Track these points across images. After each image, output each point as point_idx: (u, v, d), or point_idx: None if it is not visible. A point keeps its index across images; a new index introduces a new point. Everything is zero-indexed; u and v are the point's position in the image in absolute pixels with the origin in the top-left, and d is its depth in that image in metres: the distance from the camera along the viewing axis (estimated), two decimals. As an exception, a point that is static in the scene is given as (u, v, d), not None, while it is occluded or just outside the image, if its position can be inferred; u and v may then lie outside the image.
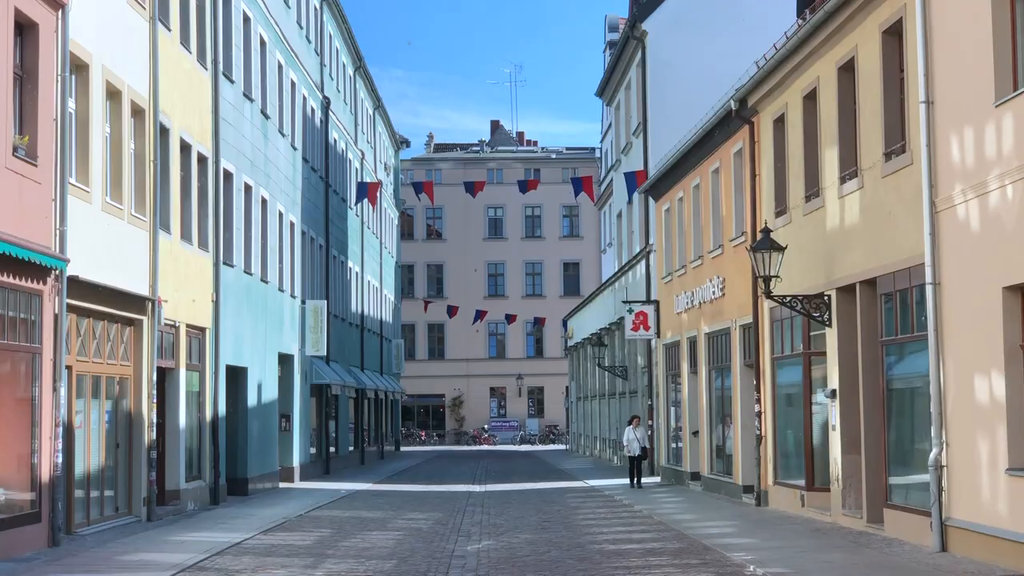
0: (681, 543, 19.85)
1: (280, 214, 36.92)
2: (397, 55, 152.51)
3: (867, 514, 20.07)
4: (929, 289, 17.06)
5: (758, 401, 26.07)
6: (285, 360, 38.42)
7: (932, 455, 16.99)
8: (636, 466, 34.16)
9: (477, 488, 37.10)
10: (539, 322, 74.98)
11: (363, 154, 55.52)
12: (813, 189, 22.57)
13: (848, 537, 19.51)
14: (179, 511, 26.11)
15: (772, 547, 18.65)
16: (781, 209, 24.51)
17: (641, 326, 37.30)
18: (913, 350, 18.70)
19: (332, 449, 47.26)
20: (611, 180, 63.30)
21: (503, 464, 55.60)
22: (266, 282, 34.71)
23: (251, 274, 32.84)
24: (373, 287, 59.87)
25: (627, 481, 37.72)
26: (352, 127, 53.88)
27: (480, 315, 73.13)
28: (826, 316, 21.53)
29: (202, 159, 28.58)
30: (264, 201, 34.67)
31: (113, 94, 22.55)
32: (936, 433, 16.96)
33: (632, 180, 41.38)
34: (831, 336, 21.56)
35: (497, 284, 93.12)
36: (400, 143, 75.15)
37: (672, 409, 36.47)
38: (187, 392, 27.44)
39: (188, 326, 27.28)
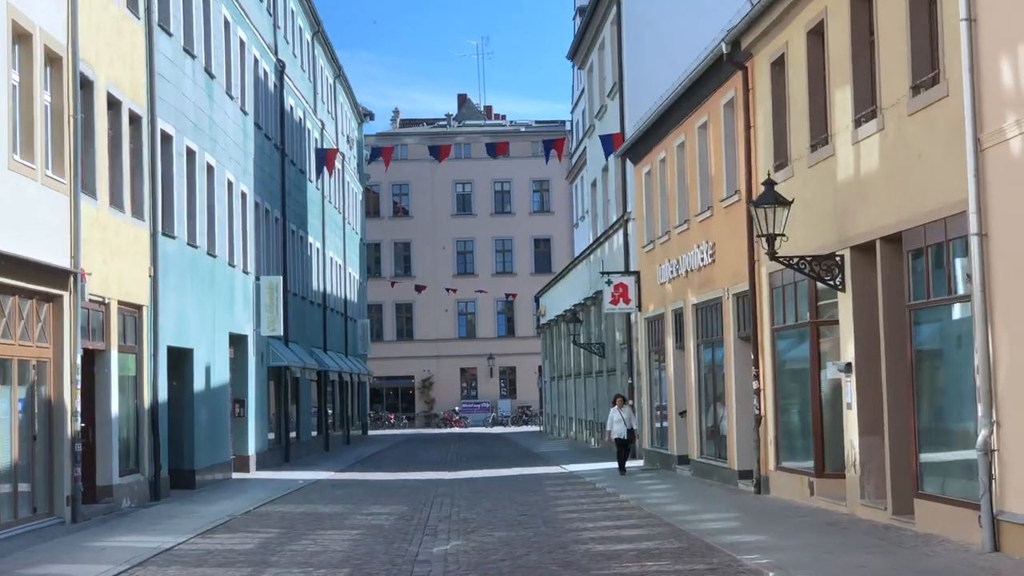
0: (680, 542, 17.19)
1: (229, 183, 34.08)
2: (364, 37, 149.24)
3: (892, 505, 17.45)
4: (974, 241, 14.41)
5: (756, 377, 23.45)
6: (238, 341, 35.63)
7: (980, 437, 14.36)
8: (622, 450, 31.42)
9: (447, 475, 34.47)
10: (510, 297, 72.26)
11: (323, 124, 52.65)
12: (820, 136, 19.91)
13: (874, 533, 16.86)
14: (111, 509, 23.32)
15: (788, 547, 15.97)
16: (781, 162, 21.86)
17: (621, 299, 34.66)
18: (949, 315, 16.08)
19: (293, 435, 44.49)
20: (583, 150, 60.78)
21: (475, 448, 52.98)
22: (214, 256, 31.88)
23: (196, 247, 30.02)
24: (336, 264, 57.07)
25: (608, 465, 35.14)
26: (311, 95, 50.99)
27: (450, 291, 70.33)
28: (839, 279, 18.90)
29: (135, 118, 25.71)
30: (210, 168, 31.84)
31: (22, 36, 19.69)
32: (984, 412, 14.32)
33: (608, 143, 38.77)
34: (844, 302, 18.94)
35: (466, 262, 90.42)
36: (364, 115, 72.22)
37: (656, 388, 33.86)
38: (120, 377, 24.61)
39: (121, 303, 24.45)
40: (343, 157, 58.16)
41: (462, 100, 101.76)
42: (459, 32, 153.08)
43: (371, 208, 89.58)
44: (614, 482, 28.78)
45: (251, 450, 36.36)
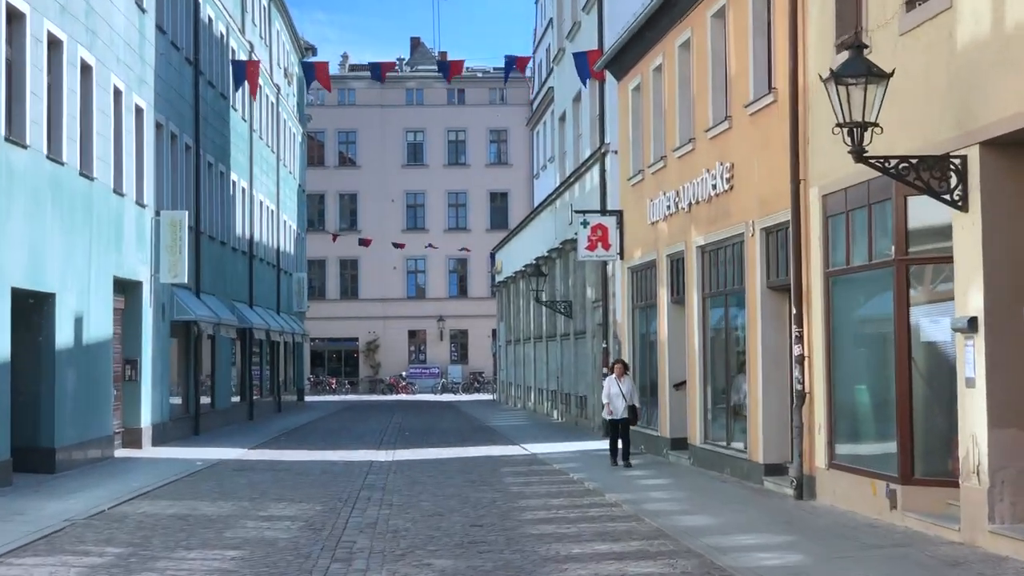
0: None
1: (118, 91, 27.44)
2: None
3: (1051, 537, 11.25)
4: None
5: (799, 340, 17.15)
6: (129, 288, 29.11)
7: None
8: (621, 434, 23.91)
9: (382, 456, 28.15)
10: (464, 251, 65.90)
11: (252, 47, 45.88)
12: (923, -12, 13.60)
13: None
14: (-95, 509, 16.85)
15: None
16: (849, 38, 15.50)
17: (599, 243, 28.34)
18: None
19: (207, 402, 38.02)
20: (548, 90, 54.43)
21: (421, 418, 46.67)
22: (90, 178, 25.26)
23: (61, 163, 23.37)
24: (267, 210, 50.40)
25: (578, 447, 28.97)
26: (237, 11, 44.24)
27: (398, 246, 63.82)
28: (957, 192, 12.61)
29: (-37, -22, 19.10)
30: (87, 67, 25.19)
31: None
32: None
33: (583, 62, 32.38)
34: (966, 227, 12.65)
35: (417, 216, 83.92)
36: (305, 49, 65.38)
37: (643, 354, 27.59)
38: (-70, 325, 18.09)
39: (-67, 225, 17.90)
40: (269, 78, 51.32)
41: (415, 44, 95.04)
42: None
43: (314, 156, 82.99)
44: (593, 473, 22.47)
45: (145, 421, 29.88)
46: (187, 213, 31.39)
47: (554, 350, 43.22)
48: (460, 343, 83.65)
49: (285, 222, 56.11)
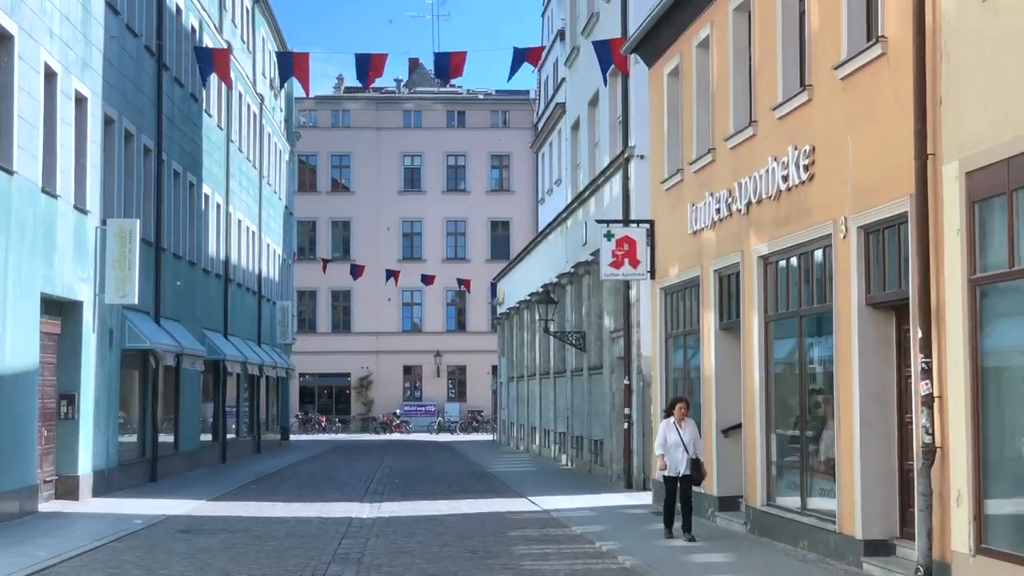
0: None
1: (51, 72, 22.87)
2: (316, 35, 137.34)
3: None
4: None
5: (927, 374, 12.47)
6: (67, 309, 24.50)
7: None
8: (681, 496, 18.01)
9: (365, 512, 23.47)
10: (463, 284, 61.20)
11: (229, 46, 41.34)
12: None
13: None
14: None
15: None
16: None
17: (626, 260, 23.65)
18: None
19: (170, 442, 33.34)
20: (553, 110, 50.15)
21: (414, 461, 41.96)
22: (8, 171, 20.66)
23: (-36, 148, 18.80)
24: (247, 230, 45.80)
25: (599, 502, 24.34)
26: (214, 9, 39.76)
27: (392, 276, 59.13)
28: None
29: None
30: (6, 35, 20.65)
31: None
32: None
33: (605, 50, 27.81)
34: None
35: (413, 245, 79.34)
36: (294, 63, 60.74)
37: (677, 392, 22.89)
38: None
39: None
40: (251, 85, 46.74)
41: (413, 65, 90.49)
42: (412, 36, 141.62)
43: (306, 181, 78.57)
44: (626, 541, 17.75)
45: (84, 468, 25.19)
46: (138, 222, 26.68)
47: (563, 388, 38.56)
48: (458, 380, 78.96)
49: (268, 246, 51.50)
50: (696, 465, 17.96)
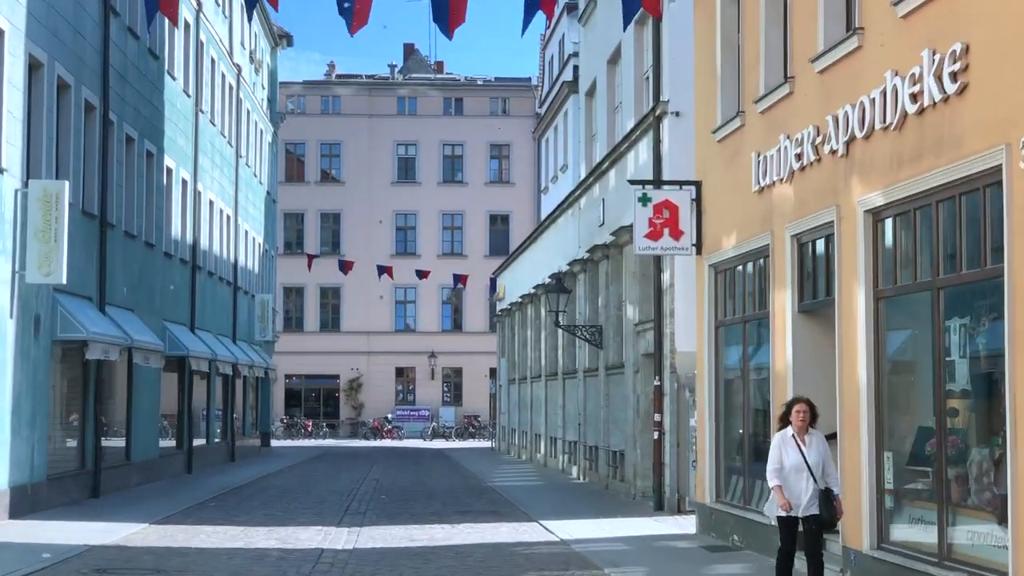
0: None
1: (-51, -10, 18.26)
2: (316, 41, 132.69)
3: None
4: None
5: None
6: (-27, 288, 19.87)
7: None
8: (806, 545, 12.44)
9: (339, 541, 18.87)
10: (460, 280, 56.53)
11: (199, 7, 36.62)
12: None
13: None
14: None
15: None
16: None
17: (666, 230, 18.99)
18: None
19: (120, 448, 28.74)
20: (559, 88, 45.78)
21: (405, 472, 37.35)
22: None
23: None
24: (221, 214, 41.12)
25: (628, 529, 19.80)
26: (181, -41, 35.07)
27: (384, 272, 54.20)
28: None
29: None
30: None
31: None
32: None
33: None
34: None
35: (407, 239, 74.62)
36: (279, 38, 56.16)
37: (731, 396, 18.29)
38: None
39: None
40: (226, 53, 41.90)
41: (409, 51, 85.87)
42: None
43: (293, 171, 73.93)
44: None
45: (0, 482, 20.57)
46: (67, 184, 21.97)
47: (574, 390, 33.91)
48: (453, 383, 74.24)
49: (247, 233, 46.82)
50: (827, 499, 12.32)
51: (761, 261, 16.47)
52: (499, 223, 74.83)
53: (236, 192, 43.71)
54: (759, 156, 16.21)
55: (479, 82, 78.30)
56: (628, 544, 18.14)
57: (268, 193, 53.33)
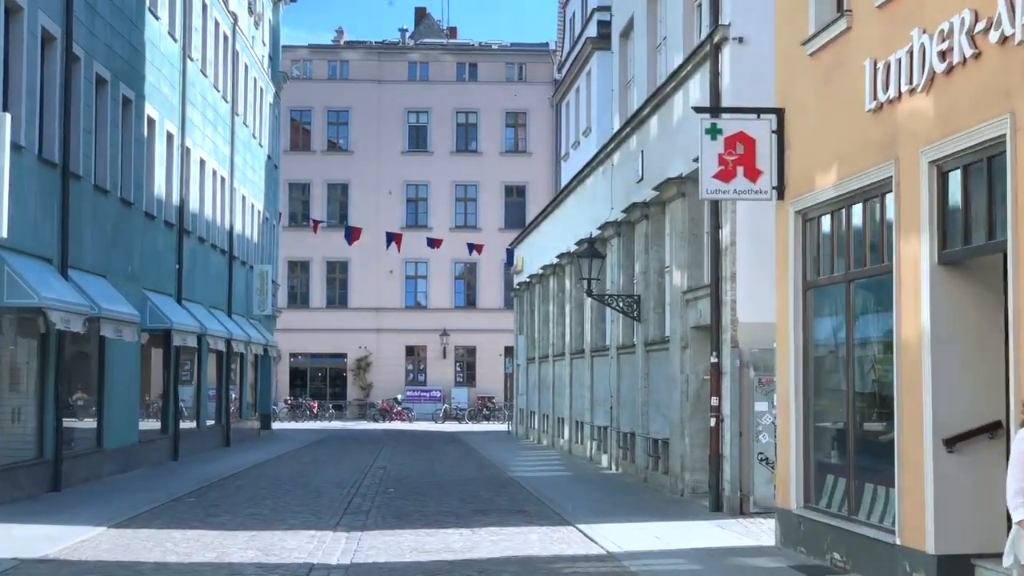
0: None
1: None
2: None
3: None
4: None
5: None
6: None
7: None
8: None
9: (334, 554, 15.27)
10: (475, 249, 52.80)
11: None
12: None
13: None
14: None
15: None
16: None
17: (740, 169, 15.20)
18: None
19: (91, 431, 25.15)
20: (582, 45, 42.26)
21: (415, 459, 33.76)
22: None
23: None
24: (215, 176, 37.44)
25: (680, 534, 16.37)
26: None
27: (394, 240, 50.37)
28: None
29: None
30: None
31: None
32: None
33: None
34: None
35: (418, 211, 71.04)
36: (282, -8, 52.40)
37: (830, 377, 14.55)
38: None
39: None
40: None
41: (420, 15, 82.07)
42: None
43: (299, 140, 70.31)
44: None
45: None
46: (8, 118, 18.21)
47: (604, 370, 30.22)
48: (466, 362, 70.63)
49: (245, 199, 43.11)
50: None
51: (877, 201, 12.72)
52: (515, 195, 71.21)
53: (232, 153, 39.99)
54: (875, 65, 12.45)
55: (494, 47, 74.48)
56: (696, 561, 14.43)
57: (269, 158, 49.61)
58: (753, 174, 15.15)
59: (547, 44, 72.85)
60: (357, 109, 71.10)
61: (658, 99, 23.91)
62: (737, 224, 19.23)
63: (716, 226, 19.86)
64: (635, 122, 26.14)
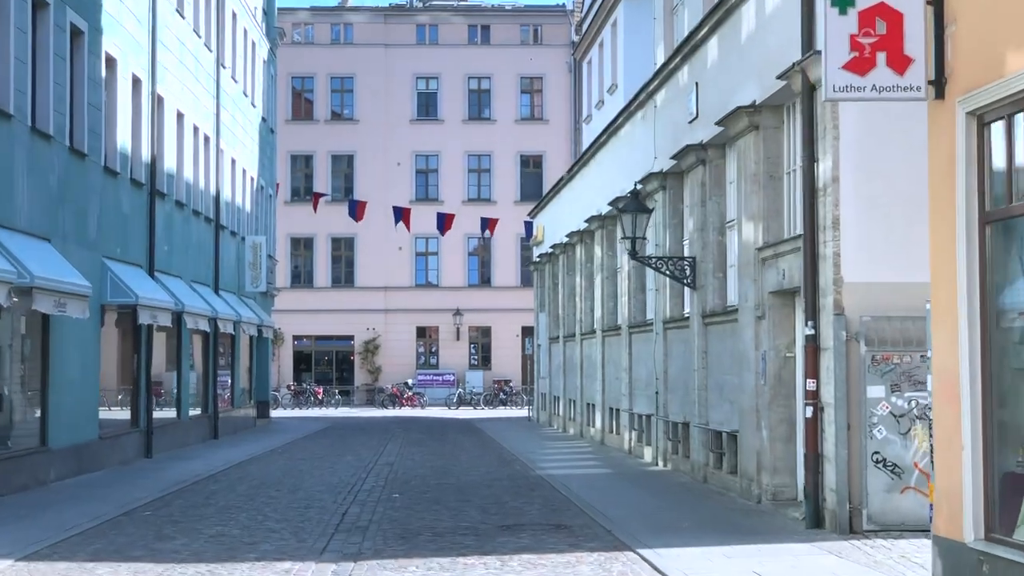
0: None
1: None
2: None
3: None
4: None
5: None
6: None
7: None
8: None
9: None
10: (488, 225, 48.29)
11: None
12: None
13: None
14: None
15: None
16: None
17: (880, 56, 10.66)
18: None
19: (36, 432, 20.68)
20: (601, 2, 37.94)
21: (427, 452, 29.38)
22: None
23: None
24: (198, 134, 32.96)
25: (782, 565, 11.55)
26: None
27: (402, 215, 45.84)
28: None
29: None
30: None
31: None
32: None
33: None
34: None
35: (428, 184, 66.55)
36: (276, -59, 47.88)
37: (1010, 353, 10.01)
38: None
39: None
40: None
41: (429, -24, 77.14)
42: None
43: (301, 108, 65.90)
44: None
45: None
46: None
47: (647, 348, 25.71)
48: (481, 344, 66.22)
49: (235, 163, 38.61)
50: None
51: None
52: (531, 165, 66.75)
53: (218, 109, 35.48)
54: None
55: (508, 8, 69.85)
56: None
57: (264, 120, 45.11)
58: (900, 62, 10.62)
59: (563, 4, 68.44)
60: (362, 76, 66.61)
61: (721, 12, 19.36)
62: (840, 154, 14.72)
63: (810, 158, 15.33)
64: (687, 48, 21.60)
